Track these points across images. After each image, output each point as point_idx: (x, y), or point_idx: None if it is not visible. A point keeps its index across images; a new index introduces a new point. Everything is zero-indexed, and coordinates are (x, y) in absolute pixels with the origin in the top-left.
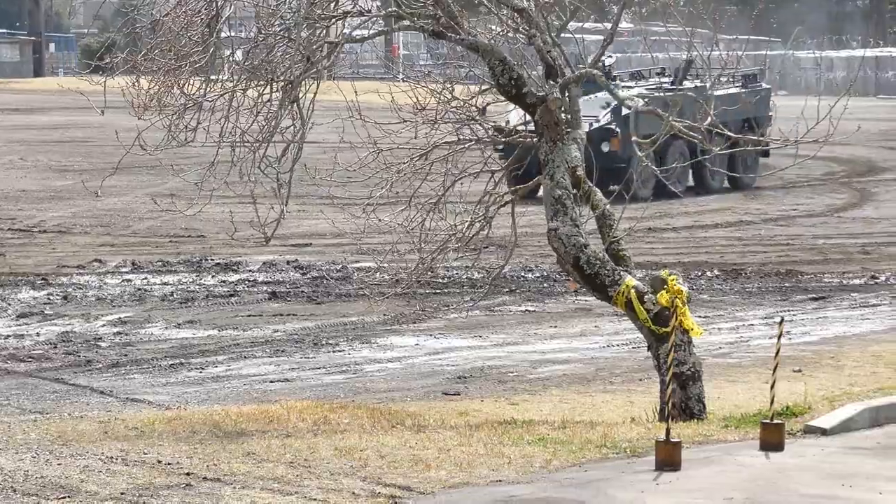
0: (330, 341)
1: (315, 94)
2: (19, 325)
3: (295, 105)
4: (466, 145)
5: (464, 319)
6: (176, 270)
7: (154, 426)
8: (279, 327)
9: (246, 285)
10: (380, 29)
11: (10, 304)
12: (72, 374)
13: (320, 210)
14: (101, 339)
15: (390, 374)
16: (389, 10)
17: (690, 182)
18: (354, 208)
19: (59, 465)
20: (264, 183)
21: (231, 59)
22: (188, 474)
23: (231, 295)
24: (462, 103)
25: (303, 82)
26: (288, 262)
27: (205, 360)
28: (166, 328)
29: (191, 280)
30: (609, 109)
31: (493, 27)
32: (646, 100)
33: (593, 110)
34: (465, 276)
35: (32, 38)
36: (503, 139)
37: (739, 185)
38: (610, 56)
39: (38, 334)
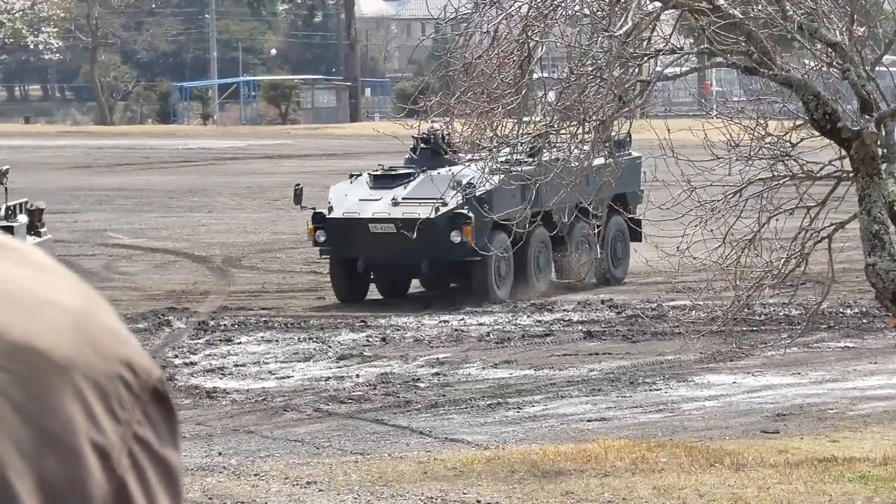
0: (646, 380)
1: (628, 132)
2: (339, 367)
3: (608, 144)
4: (781, 181)
5: (781, 357)
6: (492, 311)
7: (473, 466)
8: (595, 366)
9: (561, 325)
10: (692, 66)
11: (330, 347)
12: (391, 414)
13: (634, 249)
14: (419, 379)
15: (708, 413)
16: (702, 47)
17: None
18: (668, 246)
19: None
20: None
21: (543, 99)
22: None
23: (546, 334)
24: (776, 139)
25: (615, 121)
26: (602, 302)
27: (522, 400)
28: (483, 368)
29: (506, 320)
30: (460, 189)
31: (807, 62)
32: (504, 177)
33: (441, 190)
34: (781, 313)
35: (348, 83)
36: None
37: (609, 279)
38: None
39: (357, 376)
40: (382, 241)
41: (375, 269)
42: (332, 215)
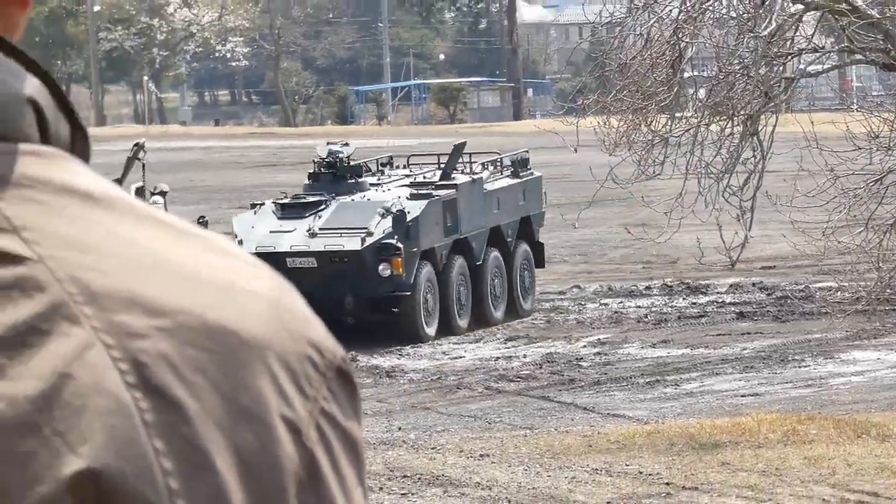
0: (795, 357)
1: (774, 126)
2: (507, 348)
3: (755, 137)
4: None
5: None
6: (649, 294)
7: (634, 439)
8: (747, 345)
9: (715, 306)
10: (833, 63)
11: (498, 329)
12: (556, 392)
13: (782, 234)
14: (582, 359)
15: (854, 387)
16: (842, 45)
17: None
18: (815, 232)
19: (548, 476)
20: (728, 210)
21: (694, 96)
22: (668, 484)
23: (701, 316)
24: None
25: (762, 116)
26: (753, 284)
27: (679, 377)
28: (642, 348)
29: (663, 303)
30: (389, 217)
31: None
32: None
33: (363, 218)
34: None
35: (511, 84)
36: None
37: (518, 312)
38: (346, 143)
39: (524, 356)
40: (302, 277)
41: None
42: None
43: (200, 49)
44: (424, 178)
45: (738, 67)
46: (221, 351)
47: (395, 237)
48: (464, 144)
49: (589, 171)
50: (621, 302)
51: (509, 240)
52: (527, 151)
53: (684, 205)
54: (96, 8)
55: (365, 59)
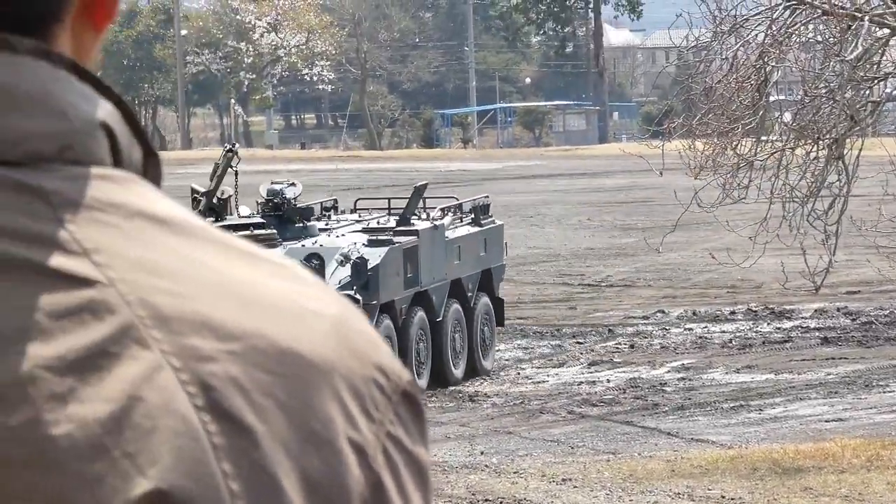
0: (880, 382)
1: (859, 150)
2: (591, 373)
3: (840, 161)
4: None
5: None
6: (733, 319)
7: (717, 464)
8: (831, 370)
9: (799, 331)
10: None
11: (582, 353)
12: (640, 416)
13: (867, 259)
14: (666, 384)
15: None
16: None
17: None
18: None
19: (630, 501)
20: (813, 235)
21: (780, 120)
22: None
23: (785, 341)
24: None
25: (847, 140)
26: (838, 309)
27: (763, 402)
28: (726, 373)
29: (748, 328)
30: (348, 265)
31: None
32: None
33: (316, 266)
34: None
35: (597, 107)
36: None
37: (478, 370)
38: (293, 183)
39: (608, 380)
40: None
41: None
42: None
43: (287, 73)
44: (378, 223)
45: (823, 91)
46: (289, 374)
47: (354, 288)
48: (425, 187)
49: (673, 194)
50: (705, 326)
51: (469, 294)
52: (487, 197)
53: (769, 229)
54: (184, 32)
55: (451, 82)
